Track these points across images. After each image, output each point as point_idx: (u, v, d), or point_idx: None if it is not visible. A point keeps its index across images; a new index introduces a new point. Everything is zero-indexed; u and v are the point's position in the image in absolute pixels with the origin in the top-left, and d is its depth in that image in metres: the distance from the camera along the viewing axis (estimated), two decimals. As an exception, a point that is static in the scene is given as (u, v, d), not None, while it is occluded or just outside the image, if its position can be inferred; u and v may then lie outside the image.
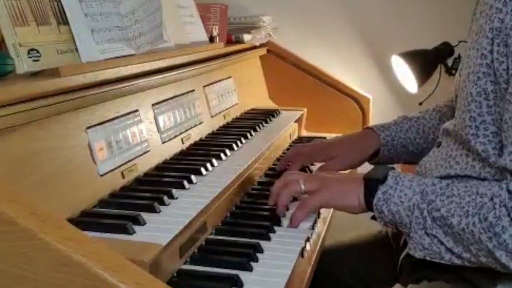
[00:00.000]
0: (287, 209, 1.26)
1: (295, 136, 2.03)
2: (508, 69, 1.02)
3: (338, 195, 1.18)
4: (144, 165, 1.29)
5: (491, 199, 0.97)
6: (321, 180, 1.21)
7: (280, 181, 1.25)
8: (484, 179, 1.08)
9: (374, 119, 2.21)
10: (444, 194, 1.04)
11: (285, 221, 1.23)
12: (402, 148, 1.50)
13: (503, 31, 1.02)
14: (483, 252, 0.98)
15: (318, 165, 1.57)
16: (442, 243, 1.04)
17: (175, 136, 1.47)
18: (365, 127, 1.57)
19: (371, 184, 1.13)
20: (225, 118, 1.81)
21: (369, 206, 1.14)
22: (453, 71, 2.03)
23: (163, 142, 1.40)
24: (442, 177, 1.14)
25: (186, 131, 1.53)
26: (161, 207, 1.08)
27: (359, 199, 1.15)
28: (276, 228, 1.20)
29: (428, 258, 1.07)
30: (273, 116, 1.94)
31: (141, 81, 1.32)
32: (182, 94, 1.56)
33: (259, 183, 1.49)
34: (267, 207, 1.29)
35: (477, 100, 1.08)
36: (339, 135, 2.06)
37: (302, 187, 1.21)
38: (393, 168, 1.16)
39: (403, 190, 1.09)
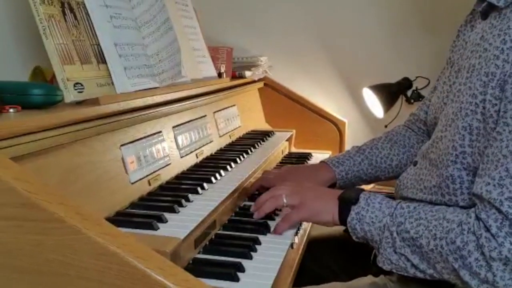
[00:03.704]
0: (273, 219, 1.23)
1: (286, 152, 2.03)
2: (499, 111, 0.92)
3: (315, 213, 1.14)
4: (166, 175, 1.29)
5: (459, 225, 0.92)
6: (302, 196, 1.16)
7: (267, 194, 1.22)
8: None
9: (349, 138, 2.22)
10: (412, 217, 0.99)
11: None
12: (356, 178, 1.42)
13: (497, 76, 0.93)
14: (447, 270, 0.94)
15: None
16: (408, 260, 0.99)
17: (191, 152, 1.46)
18: (322, 161, 1.45)
19: (345, 205, 1.09)
20: (230, 138, 1.81)
21: (342, 222, 1.10)
22: (412, 101, 2.05)
23: (181, 157, 1.40)
24: (413, 200, 1.10)
25: (199, 148, 1.53)
26: (180, 208, 1.08)
27: (333, 216, 1.11)
28: (271, 225, 1.19)
29: (394, 271, 1.03)
30: (269, 136, 1.94)
31: (164, 108, 1.33)
32: (196, 119, 1.56)
33: (257, 189, 1.48)
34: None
35: (461, 133, 1.00)
36: (319, 151, 2.10)
37: (285, 201, 1.17)
38: (363, 190, 1.12)
39: (374, 211, 1.05)
